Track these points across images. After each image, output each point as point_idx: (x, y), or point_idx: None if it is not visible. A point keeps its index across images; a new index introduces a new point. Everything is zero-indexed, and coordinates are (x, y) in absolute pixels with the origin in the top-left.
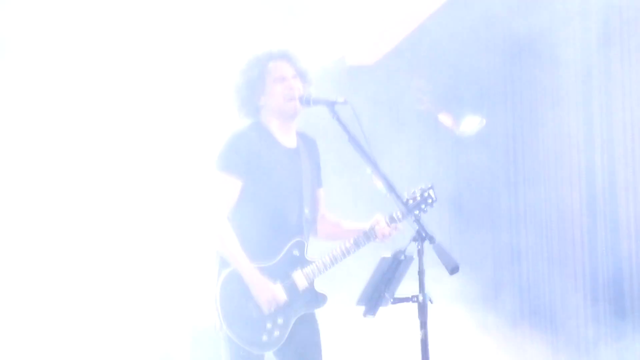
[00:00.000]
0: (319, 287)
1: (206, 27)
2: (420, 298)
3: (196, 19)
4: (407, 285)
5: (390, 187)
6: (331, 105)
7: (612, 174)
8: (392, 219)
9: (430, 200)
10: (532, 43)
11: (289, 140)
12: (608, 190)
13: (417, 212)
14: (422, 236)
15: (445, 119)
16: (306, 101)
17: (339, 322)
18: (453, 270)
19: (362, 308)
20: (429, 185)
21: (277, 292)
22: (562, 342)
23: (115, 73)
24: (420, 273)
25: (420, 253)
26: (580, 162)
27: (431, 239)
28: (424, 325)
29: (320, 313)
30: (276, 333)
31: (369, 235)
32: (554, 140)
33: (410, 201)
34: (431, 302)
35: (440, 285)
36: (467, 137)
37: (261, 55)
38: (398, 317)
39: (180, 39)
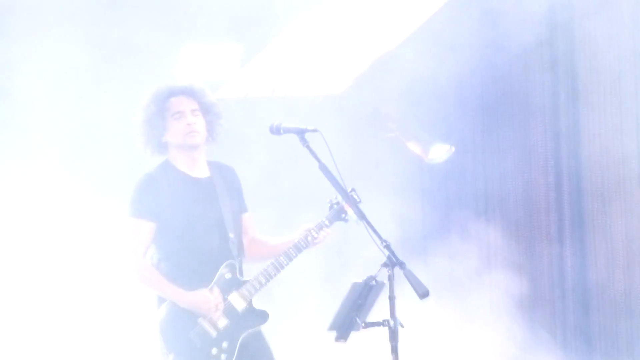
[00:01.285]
0: (258, 305)
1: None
2: (392, 323)
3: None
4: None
5: (361, 214)
6: (301, 133)
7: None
8: (319, 227)
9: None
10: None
11: (199, 171)
12: None
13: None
14: (392, 262)
15: (414, 147)
16: (276, 129)
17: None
18: (423, 295)
19: (334, 333)
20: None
21: (212, 294)
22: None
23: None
24: (391, 298)
25: (390, 279)
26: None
27: (401, 265)
28: (394, 350)
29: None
30: (223, 357)
31: (299, 247)
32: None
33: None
34: (402, 327)
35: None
36: (436, 164)
37: (162, 90)
38: (369, 341)
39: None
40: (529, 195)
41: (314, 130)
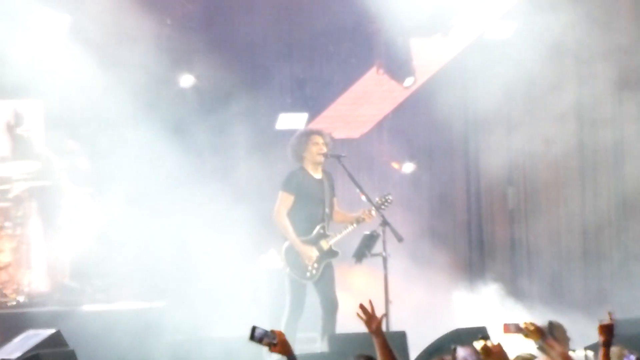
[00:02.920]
0: (334, 248)
1: None
2: (384, 254)
3: None
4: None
5: (385, 221)
6: (338, 157)
7: None
8: (368, 212)
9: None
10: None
11: (317, 174)
12: None
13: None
14: (385, 222)
15: (395, 164)
16: (325, 156)
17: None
18: (399, 239)
19: (354, 260)
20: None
21: (312, 252)
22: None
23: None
24: (384, 242)
25: (383, 232)
26: None
27: (385, 223)
28: (385, 276)
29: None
30: (314, 272)
31: (359, 220)
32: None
33: (382, 207)
34: (389, 256)
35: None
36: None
37: (307, 131)
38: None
39: None
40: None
41: (345, 156)
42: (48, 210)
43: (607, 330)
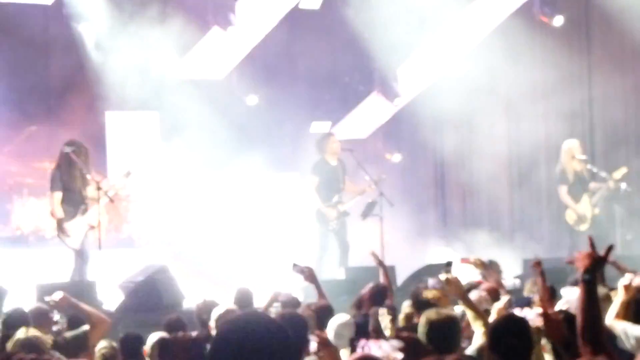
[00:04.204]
0: (345, 210)
1: None
2: (380, 215)
3: None
4: None
5: (381, 192)
6: (350, 151)
7: None
8: (369, 183)
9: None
10: None
11: (333, 162)
12: None
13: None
14: (381, 194)
15: (388, 155)
16: (347, 150)
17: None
18: (391, 205)
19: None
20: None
21: (332, 213)
22: None
23: None
24: (380, 207)
25: (380, 200)
26: None
27: (381, 194)
28: (381, 231)
29: None
30: (334, 225)
31: (363, 192)
32: None
33: (378, 183)
34: (384, 217)
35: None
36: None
37: (327, 134)
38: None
39: None
40: None
41: (354, 150)
42: (160, 185)
43: (538, 265)
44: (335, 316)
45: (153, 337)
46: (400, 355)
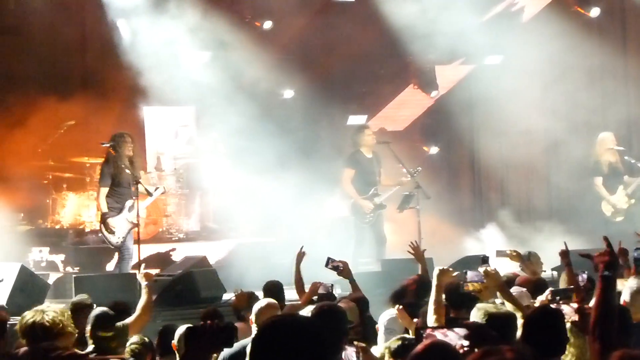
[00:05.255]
0: (382, 203)
1: None
2: (417, 207)
3: None
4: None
5: (418, 185)
6: (387, 143)
7: None
8: (408, 179)
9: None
10: None
11: (369, 154)
12: None
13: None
14: (418, 187)
15: (425, 148)
16: (383, 143)
17: None
18: (428, 197)
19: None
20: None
21: (368, 206)
22: None
23: None
24: (417, 199)
25: (417, 193)
26: None
27: (418, 186)
28: (419, 223)
29: None
30: (370, 218)
31: (399, 184)
32: None
33: (415, 175)
34: (421, 209)
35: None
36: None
37: (361, 126)
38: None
39: None
40: None
41: (390, 142)
42: (197, 178)
43: (565, 255)
44: (386, 311)
45: (180, 330)
46: (466, 342)
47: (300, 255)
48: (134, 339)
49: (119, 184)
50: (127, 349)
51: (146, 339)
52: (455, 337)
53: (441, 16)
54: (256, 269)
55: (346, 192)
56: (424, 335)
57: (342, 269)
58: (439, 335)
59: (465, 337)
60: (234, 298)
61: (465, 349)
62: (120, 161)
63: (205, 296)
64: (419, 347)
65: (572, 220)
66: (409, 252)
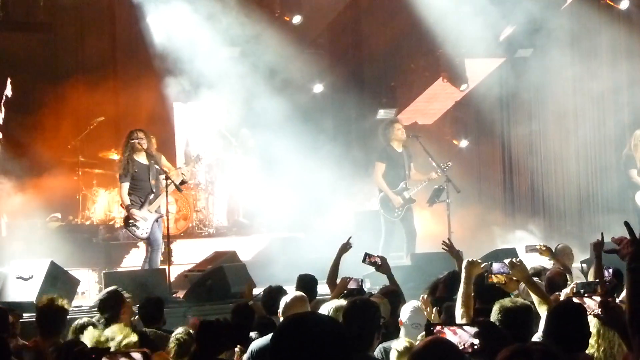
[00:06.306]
0: (411, 196)
1: None
2: (447, 201)
3: None
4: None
5: (448, 179)
6: (416, 137)
7: None
8: (437, 173)
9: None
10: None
11: (399, 149)
12: None
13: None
14: (448, 181)
15: (455, 141)
16: (408, 135)
17: None
18: (458, 191)
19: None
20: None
21: (399, 200)
22: None
23: None
24: (447, 193)
25: (447, 186)
26: None
27: (448, 180)
28: (448, 217)
29: None
30: (400, 212)
31: (429, 178)
32: None
33: (445, 169)
34: (451, 202)
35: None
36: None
37: (391, 120)
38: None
39: None
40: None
41: (420, 137)
42: (228, 173)
43: (598, 247)
44: (409, 302)
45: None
46: (477, 341)
47: (345, 247)
48: (179, 329)
49: (137, 178)
50: (172, 338)
51: (191, 330)
52: (466, 336)
53: (469, 9)
54: (286, 264)
55: (378, 185)
56: (434, 331)
57: (381, 265)
58: (449, 333)
59: (476, 336)
60: (263, 292)
61: (476, 347)
62: (140, 156)
63: (236, 291)
64: (420, 344)
65: (604, 215)
66: (443, 248)
